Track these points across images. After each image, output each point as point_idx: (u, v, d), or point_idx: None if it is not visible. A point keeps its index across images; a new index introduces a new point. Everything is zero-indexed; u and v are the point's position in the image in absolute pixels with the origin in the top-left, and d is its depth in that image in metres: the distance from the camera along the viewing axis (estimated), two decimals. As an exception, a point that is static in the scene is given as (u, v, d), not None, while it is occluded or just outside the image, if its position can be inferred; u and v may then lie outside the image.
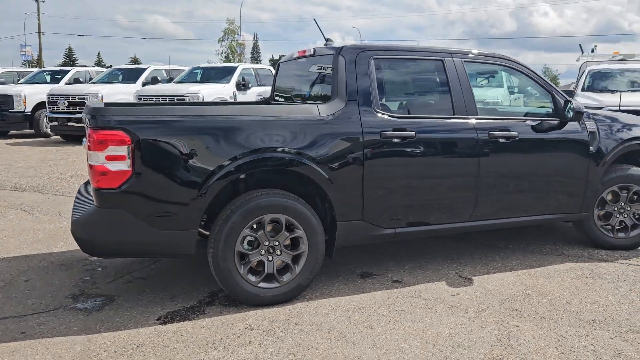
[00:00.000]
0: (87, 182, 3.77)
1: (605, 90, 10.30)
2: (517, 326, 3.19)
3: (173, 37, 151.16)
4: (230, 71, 13.30)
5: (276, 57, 69.97)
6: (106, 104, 3.41)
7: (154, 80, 13.25)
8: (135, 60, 72.56)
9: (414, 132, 3.74)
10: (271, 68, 15.04)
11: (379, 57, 3.84)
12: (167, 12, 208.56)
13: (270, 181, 3.57)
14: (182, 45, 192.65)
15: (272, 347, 2.93)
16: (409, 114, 3.93)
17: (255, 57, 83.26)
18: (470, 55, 4.19)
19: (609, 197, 4.60)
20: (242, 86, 12.96)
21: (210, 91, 11.96)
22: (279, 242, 3.47)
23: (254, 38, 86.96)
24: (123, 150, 3.13)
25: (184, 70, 14.64)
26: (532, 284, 3.87)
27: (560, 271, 4.16)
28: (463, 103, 3.98)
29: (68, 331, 3.12)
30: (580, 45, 14.31)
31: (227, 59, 50.30)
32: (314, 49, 4.18)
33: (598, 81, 10.67)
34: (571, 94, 9.95)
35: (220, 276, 3.37)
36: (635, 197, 4.62)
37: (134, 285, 3.85)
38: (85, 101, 11.92)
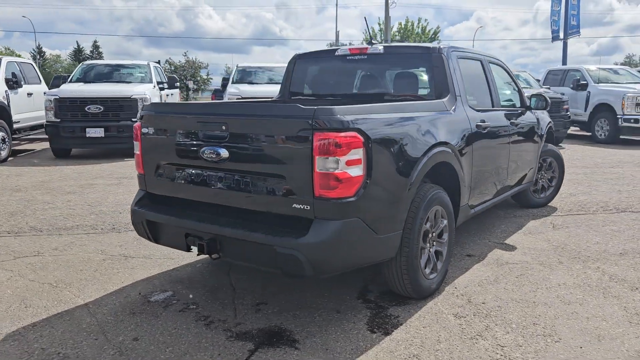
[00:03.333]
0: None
1: (246, 82, 13.05)
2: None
3: None
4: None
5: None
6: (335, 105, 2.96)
7: None
8: None
9: (489, 123, 4.32)
10: (32, 62, 13.01)
11: (460, 56, 4.24)
12: None
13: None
14: None
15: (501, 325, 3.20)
16: (477, 107, 4.46)
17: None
18: (487, 57, 4.93)
19: (538, 167, 6.06)
20: (13, 84, 10.84)
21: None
22: (434, 234, 3.63)
23: None
24: (359, 154, 2.83)
25: None
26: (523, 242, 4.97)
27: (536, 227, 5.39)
28: (497, 97, 4.73)
29: None
30: None
31: None
32: (383, 47, 4.25)
33: (244, 76, 13.43)
34: (226, 84, 12.82)
35: (409, 275, 3.35)
36: (548, 166, 6.21)
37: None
38: None
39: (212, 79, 54.88)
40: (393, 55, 4.28)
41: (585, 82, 14.25)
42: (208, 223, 3.17)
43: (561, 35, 22.18)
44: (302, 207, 2.86)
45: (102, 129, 10.42)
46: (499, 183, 4.77)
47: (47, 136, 10.94)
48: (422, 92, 4.12)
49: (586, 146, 12.88)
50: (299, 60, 4.77)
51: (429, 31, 47.06)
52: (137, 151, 3.62)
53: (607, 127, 13.51)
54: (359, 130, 2.82)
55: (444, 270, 3.73)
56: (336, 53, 4.50)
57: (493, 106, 4.67)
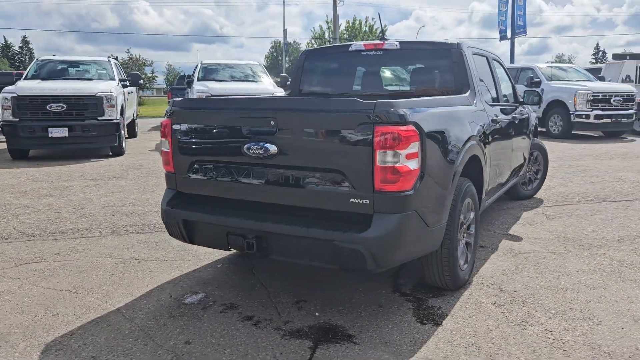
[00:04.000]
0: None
1: (212, 79, 12.89)
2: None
3: None
4: None
5: None
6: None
7: None
8: None
9: (501, 117, 4.46)
10: None
11: (473, 52, 4.35)
12: None
13: None
14: None
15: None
16: (489, 102, 4.59)
17: None
18: (490, 53, 5.08)
19: (526, 160, 6.31)
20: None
21: None
22: (465, 226, 3.72)
23: None
24: (416, 147, 2.86)
25: None
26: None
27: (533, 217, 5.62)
28: (501, 92, 4.89)
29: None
30: None
31: None
32: (399, 42, 4.30)
33: (208, 74, 13.31)
34: (191, 82, 12.70)
35: (449, 267, 3.41)
36: (535, 159, 6.47)
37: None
38: None
39: (157, 76, 53.29)
40: (410, 51, 4.33)
41: (538, 79, 14.89)
42: (255, 220, 3.10)
43: (509, 34, 23.11)
44: (360, 202, 2.86)
45: (66, 129, 9.93)
46: (504, 175, 4.93)
47: (3, 137, 10.32)
48: (443, 87, 4.20)
49: (543, 141, 13.47)
50: (309, 56, 4.75)
51: (376, 30, 47.75)
52: (166, 149, 3.49)
53: (560, 122, 14.20)
54: (415, 124, 2.84)
55: (472, 261, 3.82)
56: (350, 49, 4.51)
57: (499, 101, 4.82)
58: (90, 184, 7.60)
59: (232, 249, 3.30)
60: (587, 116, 13.83)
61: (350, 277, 3.85)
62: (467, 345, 2.89)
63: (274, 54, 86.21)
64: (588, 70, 17.19)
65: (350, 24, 47.36)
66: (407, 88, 4.39)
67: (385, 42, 4.34)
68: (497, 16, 23.93)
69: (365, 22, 47.68)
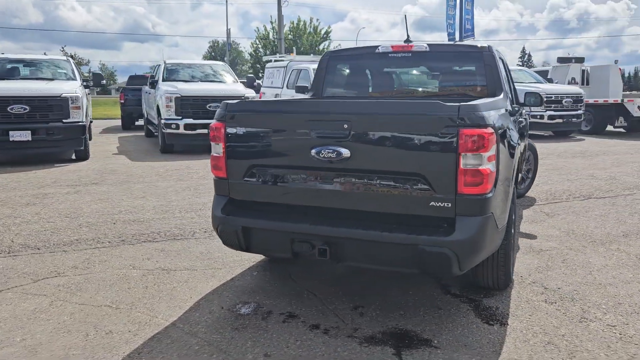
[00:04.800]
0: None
1: (178, 80, 12.42)
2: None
3: None
4: None
5: None
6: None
7: None
8: None
9: (520, 118, 4.60)
10: None
11: (499, 56, 4.44)
12: None
13: None
14: None
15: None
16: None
17: None
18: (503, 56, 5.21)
19: (520, 160, 6.53)
20: None
21: None
22: (509, 226, 3.80)
23: None
24: (494, 150, 2.88)
25: None
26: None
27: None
28: (516, 94, 5.03)
29: None
30: None
31: None
32: (428, 45, 4.33)
33: (173, 74, 12.84)
34: (155, 82, 12.16)
35: (505, 267, 3.48)
36: (527, 159, 6.71)
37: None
38: None
39: (117, 76, 51.02)
40: (439, 54, 4.37)
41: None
42: (329, 226, 3.03)
43: (457, 37, 23.88)
44: (441, 205, 2.85)
45: (29, 132, 9.32)
46: (518, 175, 5.08)
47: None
48: (475, 90, 4.26)
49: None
50: (332, 57, 4.69)
51: (321, 30, 48.05)
52: (217, 154, 3.34)
53: (517, 122, 14.80)
54: (493, 126, 2.87)
55: (514, 261, 3.91)
56: (377, 50, 4.49)
57: (513, 103, 4.95)
58: (70, 190, 7.17)
59: (296, 257, 3.20)
60: (542, 117, 14.52)
61: (394, 281, 3.84)
62: (544, 344, 2.95)
63: (212, 53, 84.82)
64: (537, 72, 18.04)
65: (295, 25, 47.34)
66: (438, 91, 4.43)
67: (414, 44, 4.36)
68: (445, 19, 24.71)
69: (310, 22, 47.82)
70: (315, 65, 12.95)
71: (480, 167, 2.79)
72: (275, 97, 14.25)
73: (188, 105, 10.92)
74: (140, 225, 5.36)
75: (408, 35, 4.42)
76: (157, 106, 11.60)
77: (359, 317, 3.28)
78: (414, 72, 4.61)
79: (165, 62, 12.99)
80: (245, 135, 3.24)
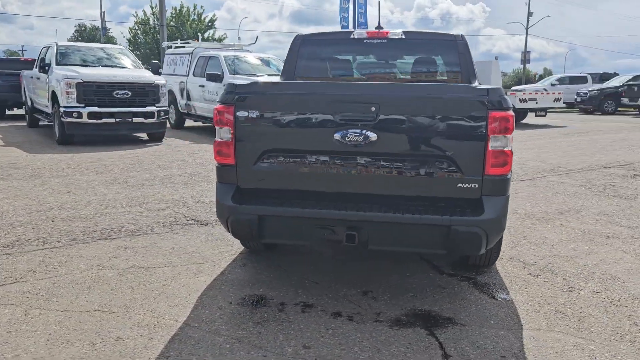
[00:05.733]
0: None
1: (75, 64, 11.36)
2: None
3: None
4: None
5: None
6: None
7: None
8: None
9: None
10: None
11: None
12: None
13: None
14: None
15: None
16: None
17: None
18: None
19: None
20: None
21: None
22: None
23: None
24: (513, 132, 3.01)
25: None
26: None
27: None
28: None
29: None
30: None
31: None
32: (402, 32, 4.39)
33: (67, 58, 11.63)
34: (47, 66, 11.01)
35: (498, 245, 3.66)
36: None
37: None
38: None
39: None
40: (415, 41, 4.44)
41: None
42: (358, 211, 2.97)
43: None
44: (468, 186, 2.93)
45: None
46: None
47: None
48: (451, 77, 4.41)
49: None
50: (305, 42, 4.57)
51: (205, 18, 46.69)
52: (225, 139, 3.11)
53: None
54: (512, 109, 3.00)
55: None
56: (352, 36, 4.46)
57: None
58: (-26, 186, 6.26)
59: (325, 243, 3.09)
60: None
61: (389, 264, 3.88)
62: (554, 313, 3.16)
63: (79, 38, 78.59)
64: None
65: (178, 11, 45.43)
66: (414, 77, 4.51)
67: (389, 31, 4.40)
68: (338, 12, 25.23)
69: (194, 9, 46.18)
70: (226, 53, 12.69)
71: (505, 149, 2.90)
72: (180, 85, 13.61)
73: (92, 92, 10.03)
74: (85, 222, 4.83)
75: (379, 22, 4.46)
76: (52, 92, 10.50)
77: (374, 302, 3.27)
78: (389, 58, 4.65)
79: (57, 44, 11.78)
80: (259, 119, 3.05)
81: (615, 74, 28.94)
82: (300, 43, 4.56)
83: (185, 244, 4.31)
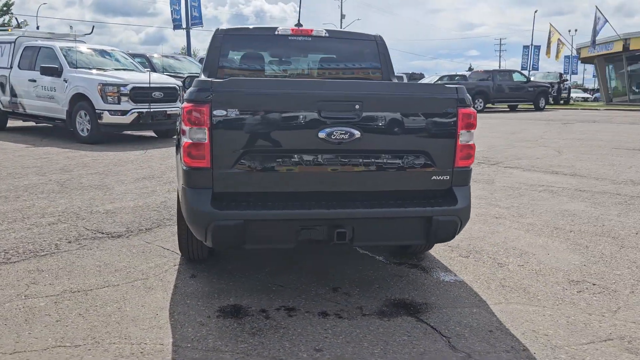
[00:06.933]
0: None
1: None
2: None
3: None
4: None
5: None
6: None
7: None
8: None
9: None
10: None
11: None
12: None
13: None
14: None
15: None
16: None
17: None
18: None
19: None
20: None
21: None
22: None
23: None
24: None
25: None
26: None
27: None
28: None
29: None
30: None
31: None
32: (326, 31, 4.48)
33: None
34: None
35: None
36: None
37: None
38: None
39: None
40: (338, 40, 4.54)
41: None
42: (345, 209, 2.98)
43: (184, 24, 23.59)
44: (441, 179, 3.14)
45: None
46: None
47: None
48: (372, 74, 4.61)
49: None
50: (227, 36, 4.36)
51: (12, 4, 41.24)
52: (197, 140, 2.86)
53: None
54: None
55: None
56: (276, 32, 4.39)
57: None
58: None
59: (299, 244, 3.03)
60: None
61: (336, 259, 3.96)
62: (501, 287, 3.55)
63: None
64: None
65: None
66: (339, 74, 4.60)
67: (313, 29, 4.44)
68: (169, 4, 24.06)
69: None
70: (62, 44, 11.34)
71: (470, 142, 3.18)
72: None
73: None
74: (-35, 246, 4.00)
75: (299, 19, 4.47)
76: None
77: (350, 297, 3.33)
78: (313, 55, 4.67)
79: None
80: (239, 118, 2.87)
81: (422, 75, 32.61)
82: (222, 37, 4.36)
83: (110, 260, 3.84)
